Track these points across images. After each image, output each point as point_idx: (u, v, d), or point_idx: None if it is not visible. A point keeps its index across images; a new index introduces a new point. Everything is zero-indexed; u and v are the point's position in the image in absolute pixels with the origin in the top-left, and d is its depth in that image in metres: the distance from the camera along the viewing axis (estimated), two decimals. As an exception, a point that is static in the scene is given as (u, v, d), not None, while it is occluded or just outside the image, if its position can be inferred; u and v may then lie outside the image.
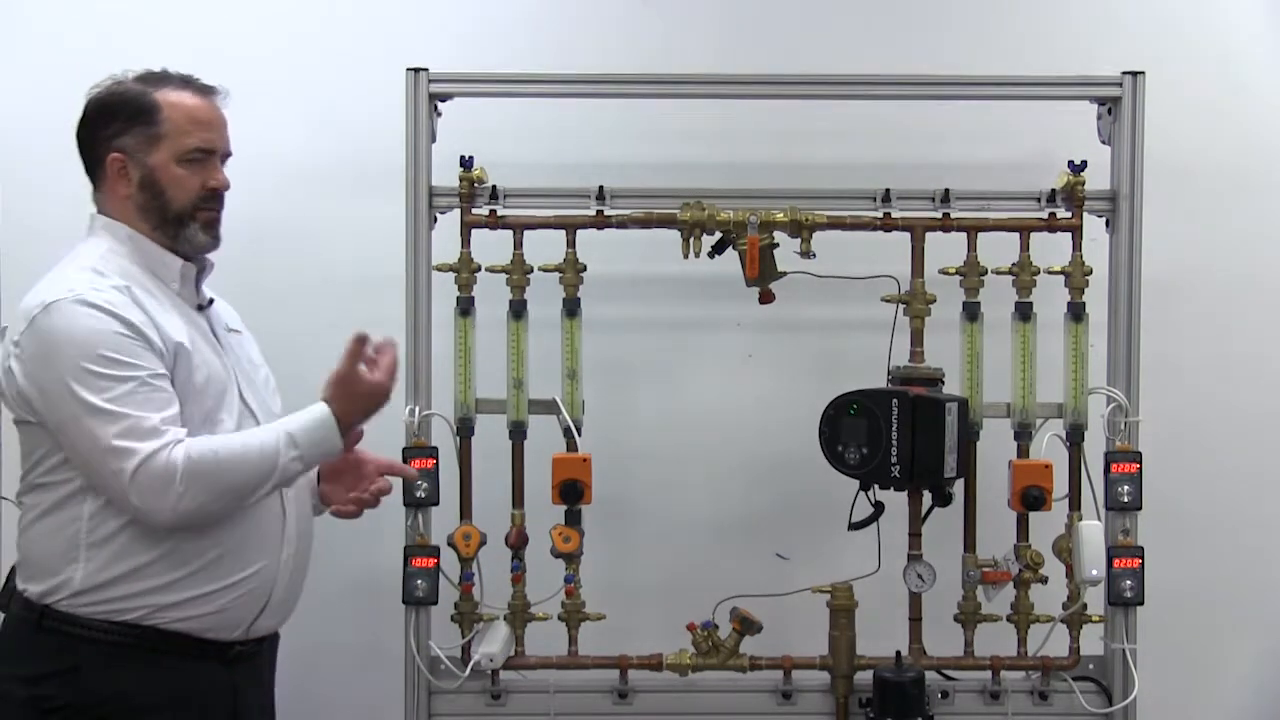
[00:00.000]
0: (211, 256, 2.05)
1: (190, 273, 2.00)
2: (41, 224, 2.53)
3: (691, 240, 2.30)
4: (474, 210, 2.32)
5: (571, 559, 2.32)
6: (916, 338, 2.34)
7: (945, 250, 2.34)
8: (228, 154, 2.03)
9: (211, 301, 2.05)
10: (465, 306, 2.31)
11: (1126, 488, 2.27)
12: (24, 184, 2.57)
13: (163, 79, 1.99)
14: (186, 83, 1.99)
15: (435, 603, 2.28)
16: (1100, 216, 2.35)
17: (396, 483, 2.23)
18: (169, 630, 1.87)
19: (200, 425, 1.88)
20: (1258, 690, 2.69)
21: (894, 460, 2.21)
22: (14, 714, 1.84)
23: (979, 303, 2.33)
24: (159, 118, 1.95)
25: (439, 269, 2.31)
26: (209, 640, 1.90)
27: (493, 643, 2.30)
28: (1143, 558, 2.28)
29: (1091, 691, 2.35)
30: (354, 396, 1.95)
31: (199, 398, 1.90)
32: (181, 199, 1.96)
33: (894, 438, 2.21)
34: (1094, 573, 2.24)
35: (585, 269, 2.33)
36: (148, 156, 1.94)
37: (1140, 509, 2.29)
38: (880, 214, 2.33)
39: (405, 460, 2.24)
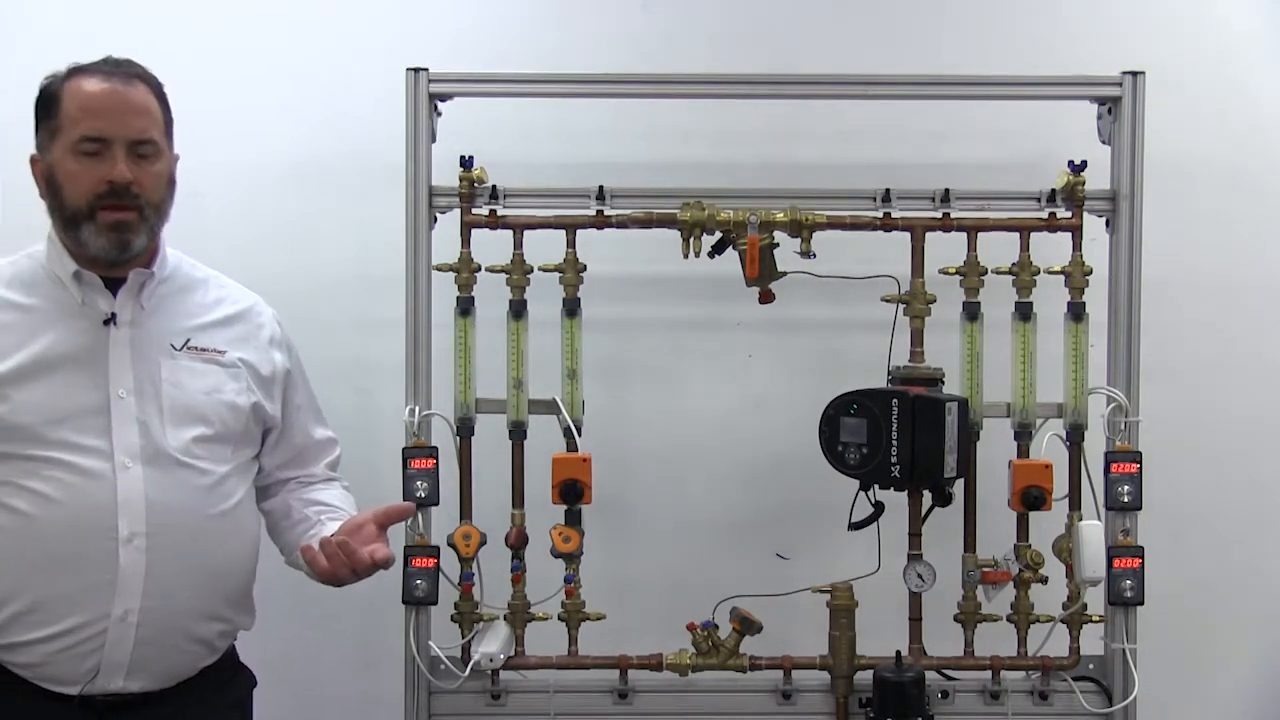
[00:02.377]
0: (194, 263, 1.96)
1: (93, 282, 1.86)
2: (41, 224, 2.54)
3: (691, 240, 2.30)
4: (474, 210, 2.32)
5: (571, 559, 2.32)
6: (916, 338, 2.34)
7: (945, 250, 2.34)
8: (141, 143, 1.82)
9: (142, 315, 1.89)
10: (465, 306, 2.31)
11: (1126, 488, 2.27)
12: (24, 184, 2.57)
13: (84, 68, 1.84)
14: (100, 68, 1.83)
15: (435, 603, 2.28)
16: (1100, 216, 2.35)
17: (396, 488, 2.23)
18: (13, 673, 1.81)
19: (16, 445, 1.77)
20: (1258, 690, 2.70)
21: (894, 460, 2.21)
22: None
23: (979, 303, 2.33)
24: (58, 109, 1.82)
25: (439, 269, 2.31)
26: (51, 690, 1.80)
27: (493, 643, 2.30)
28: (1143, 558, 2.28)
29: (1091, 691, 2.35)
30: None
31: (1, 423, 1.77)
32: (74, 196, 1.81)
33: (894, 438, 2.21)
34: (1094, 573, 2.24)
35: (585, 269, 2.33)
36: (50, 153, 1.83)
37: (1140, 509, 2.29)
38: (880, 214, 2.33)
39: (405, 460, 2.24)
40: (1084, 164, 2.30)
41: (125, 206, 1.82)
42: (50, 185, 1.84)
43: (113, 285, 1.89)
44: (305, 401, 2.14)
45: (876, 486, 2.27)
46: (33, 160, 1.87)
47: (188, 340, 1.93)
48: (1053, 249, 2.34)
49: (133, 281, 1.89)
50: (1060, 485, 2.31)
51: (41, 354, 1.81)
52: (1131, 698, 2.30)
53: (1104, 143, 2.35)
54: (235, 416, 1.94)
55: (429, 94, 2.29)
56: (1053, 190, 2.33)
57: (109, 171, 1.80)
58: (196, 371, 1.91)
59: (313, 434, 2.14)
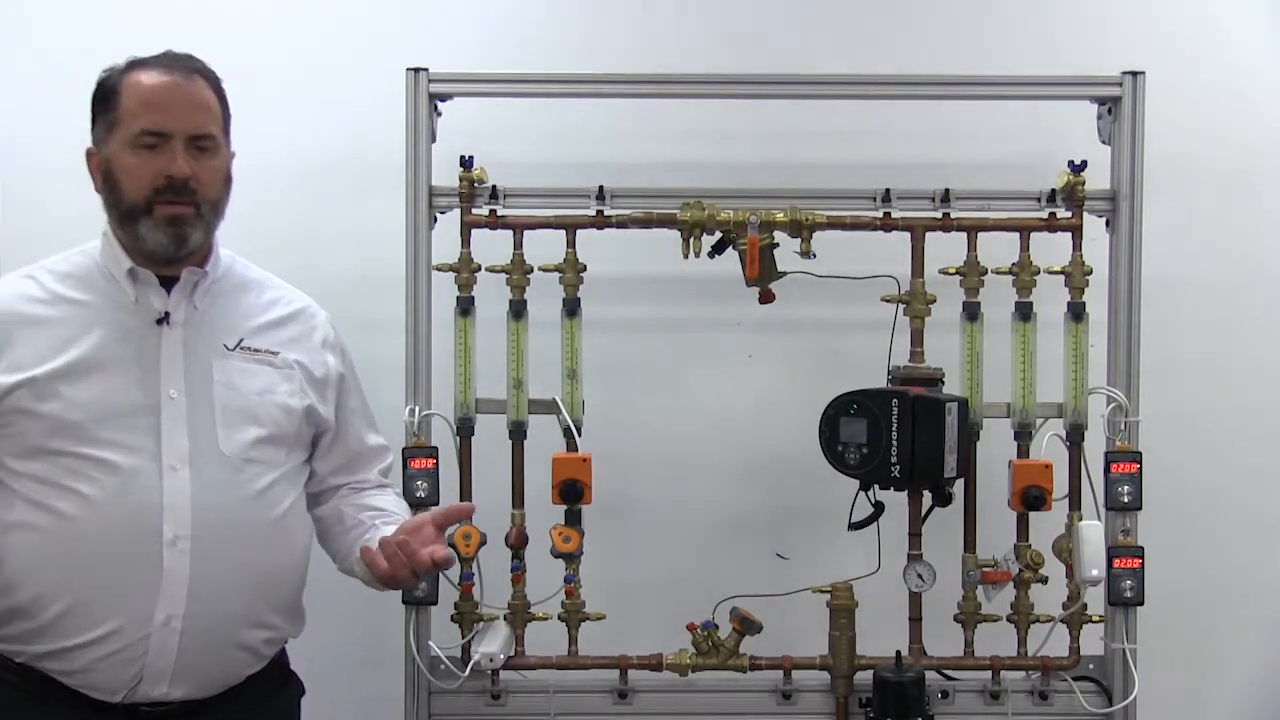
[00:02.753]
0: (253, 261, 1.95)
1: (148, 279, 1.83)
2: (42, 224, 2.54)
3: (691, 240, 2.30)
4: (474, 210, 2.32)
5: (571, 559, 2.32)
6: (916, 338, 2.34)
7: (945, 250, 2.34)
8: (200, 138, 1.80)
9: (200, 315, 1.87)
10: (465, 306, 2.31)
11: (1126, 488, 2.27)
12: (24, 184, 2.58)
13: (144, 61, 1.82)
14: (160, 62, 1.81)
15: (435, 603, 2.28)
16: (1100, 216, 2.35)
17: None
18: (57, 681, 1.76)
19: (64, 442, 1.73)
20: (1258, 690, 2.69)
21: (894, 460, 2.21)
22: None
23: (979, 303, 2.33)
24: (116, 103, 1.79)
25: (439, 269, 2.31)
26: (95, 699, 1.76)
27: (493, 643, 2.30)
28: (1143, 558, 2.28)
29: (1091, 691, 2.35)
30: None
31: (49, 420, 1.74)
32: (133, 191, 1.78)
33: (894, 438, 2.21)
34: (1094, 573, 2.24)
35: (585, 269, 2.33)
36: (107, 146, 1.80)
37: (1140, 509, 2.29)
38: (880, 214, 2.33)
39: (405, 460, 2.24)
40: (1084, 164, 2.30)
41: (182, 201, 1.79)
42: (107, 179, 1.81)
43: (166, 284, 1.85)
44: (359, 406, 2.09)
45: (876, 486, 2.27)
46: (89, 154, 1.83)
47: (241, 341, 1.89)
48: (1053, 249, 2.34)
49: (186, 280, 1.85)
50: (1060, 485, 2.31)
51: (93, 351, 1.78)
52: (1131, 698, 2.30)
53: (1104, 143, 2.35)
54: (288, 418, 1.90)
55: (429, 94, 2.29)
56: (1053, 190, 2.33)
57: (167, 166, 1.77)
58: (249, 372, 1.87)
59: (366, 440, 2.08)
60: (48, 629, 1.74)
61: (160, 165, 1.77)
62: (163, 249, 1.80)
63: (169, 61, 1.82)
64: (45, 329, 1.79)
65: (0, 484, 1.78)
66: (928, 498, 2.32)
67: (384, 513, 2.02)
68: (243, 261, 2.00)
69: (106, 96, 1.81)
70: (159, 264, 1.83)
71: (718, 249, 2.32)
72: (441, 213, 2.33)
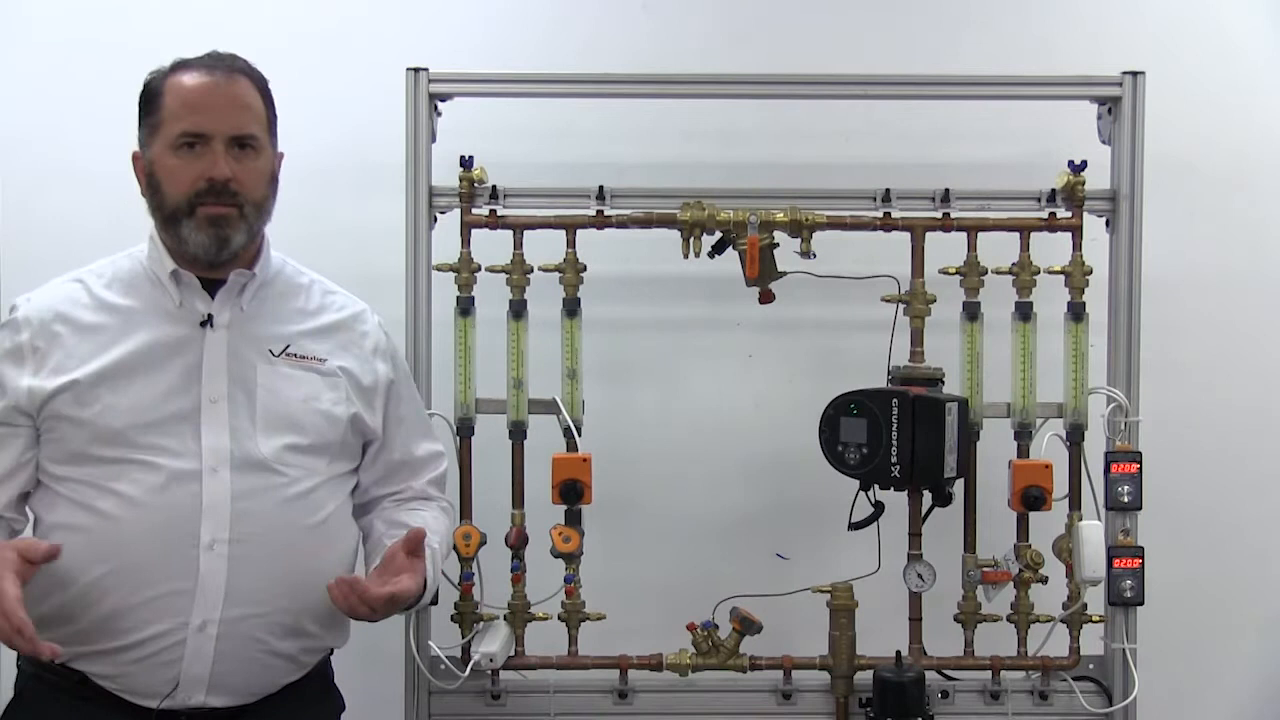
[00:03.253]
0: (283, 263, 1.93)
1: (190, 282, 1.82)
2: (42, 224, 2.54)
3: (691, 240, 2.30)
4: (474, 210, 2.32)
5: (571, 559, 2.31)
6: (916, 338, 2.34)
7: (945, 250, 2.34)
8: (242, 138, 1.79)
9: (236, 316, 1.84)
10: (465, 306, 2.31)
11: (1126, 488, 2.27)
12: (24, 184, 2.58)
13: (187, 62, 1.81)
14: (203, 62, 1.81)
15: (435, 603, 2.28)
16: (1100, 216, 2.35)
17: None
18: (95, 683, 1.75)
19: (105, 448, 1.73)
20: (1258, 690, 2.70)
21: (894, 460, 2.21)
22: None
23: (979, 303, 2.33)
24: (159, 104, 1.79)
25: (439, 269, 2.31)
26: (133, 703, 1.74)
27: (493, 643, 2.30)
28: (1143, 558, 2.28)
29: (1091, 691, 2.35)
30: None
31: (91, 426, 1.74)
32: (175, 194, 1.77)
33: (894, 438, 2.21)
34: (1094, 573, 2.24)
35: (585, 269, 2.33)
36: (150, 149, 1.80)
37: (1140, 509, 2.29)
38: (880, 214, 2.33)
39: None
40: (1084, 164, 2.30)
41: (224, 203, 1.78)
42: (150, 182, 1.80)
43: (212, 287, 1.84)
44: (410, 414, 2.04)
45: (876, 486, 2.27)
46: (134, 157, 1.82)
47: (287, 346, 1.86)
48: (1053, 249, 2.34)
49: (232, 283, 1.84)
50: (1060, 485, 2.31)
51: (135, 356, 1.77)
52: (1131, 698, 2.30)
53: (1104, 143, 2.35)
54: (332, 426, 1.87)
55: (429, 94, 2.29)
56: (1053, 190, 2.33)
57: (209, 168, 1.76)
58: (294, 379, 1.85)
59: (414, 450, 2.03)
60: (88, 631, 1.73)
61: (201, 168, 1.76)
62: (205, 250, 1.79)
63: (211, 62, 1.81)
64: (89, 334, 1.79)
65: (43, 487, 1.79)
66: (928, 498, 2.32)
67: (406, 530, 1.90)
68: (295, 265, 1.99)
69: (150, 99, 1.80)
70: (204, 267, 1.82)
71: (718, 249, 2.32)
72: (441, 213, 2.33)
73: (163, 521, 1.73)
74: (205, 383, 1.79)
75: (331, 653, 1.98)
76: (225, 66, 1.82)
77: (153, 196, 1.81)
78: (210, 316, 1.82)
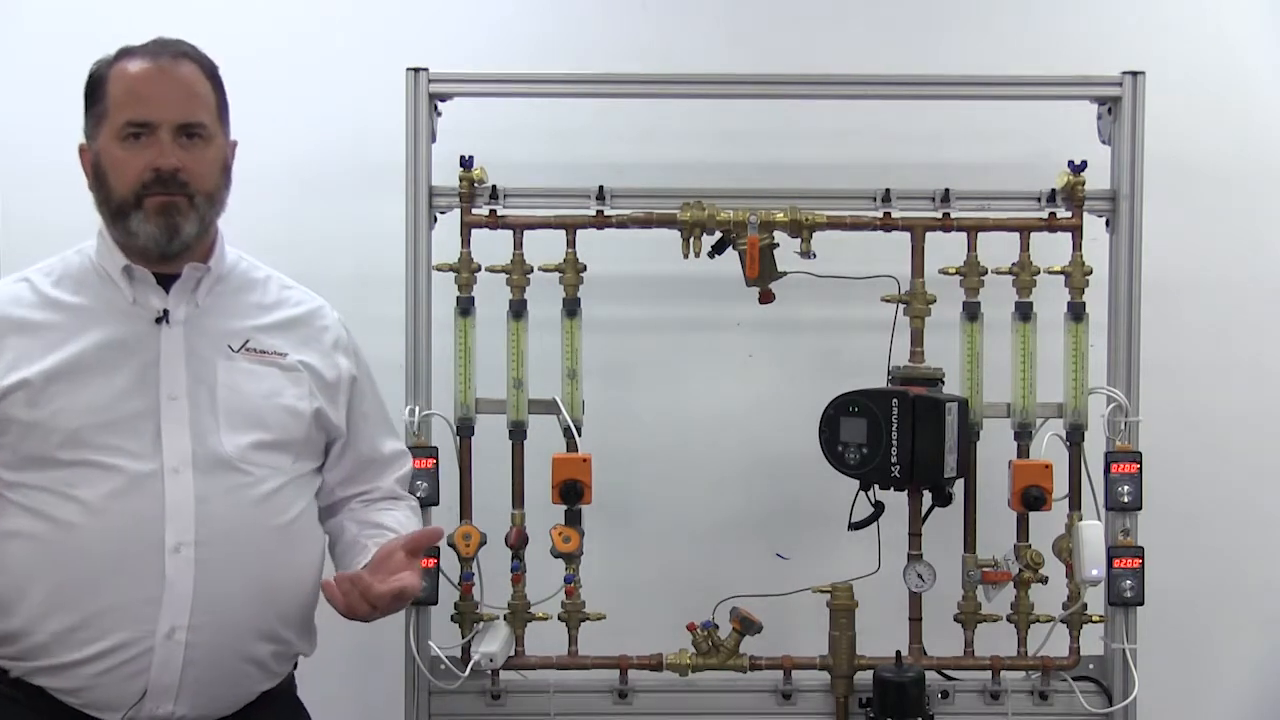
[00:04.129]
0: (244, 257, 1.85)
1: (144, 277, 1.74)
2: (42, 224, 2.54)
3: (691, 240, 2.30)
4: (474, 210, 2.32)
5: (571, 559, 2.32)
6: (916, 338, 2.34)
7: (945, 250, 2.34)
8: (189, 125, 1.71)
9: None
10: (465, 306, 2.31)
11: (1126, 488, 2.27)
12: (24, 184, 2.58)
13: (131, 50, 1.74)
14: (147, 49, 1.73)
15: (435, 603, 2.28)
16: (1100, 216, 2.35)
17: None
18: (56, 697, 1.66)
19: (61, 450, 1.65)
20: (1258, 690, 2.69)
21: (894, 460, 2.21)
22: None
23: (979, 303, 2.33)
24: (103, 93, 1.71)
25: (439, 269, 2.31)
26: (96, 717, 1.67)
27: (493, 643, 2.30)
28: (1143, 558, 2.28)
29: (1091, 691, 2.35)
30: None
31: (44, 428, 1.66)
32: (121, 185, 1.69)
33: (894, 438, 2.21)
34: (1094, 573, 2.24)
35: (585, 269, 2.33)
36: (96, 141, 1.72)
37: (1140, 509, 2.29)
38: (880, 214, 2.33)
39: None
40: (1084, 164, 2.30)
41: (173, 192, 1.70)
42: (97, 175, 1.73)
43: (166, 283, 1.77)
44: (373, 411, 1.98)
45: (876, 486, 2.27)
46: (81, 150, 1.76)
47: (246, 341, 1.80)
48: (1053, 249, 2.34)
49: (187, 277, 1.77)
50: (1060, 485, 2.31)
51: (87, 353, 1.70)
52: (1131, 698, 2.31)
53: (1104, 143, 2.35)
54: (296, 423, 1.80)
55: (429, 94, 2.29)
56: (1053, 190, 2.33)
57: (155, 158, 1.68)
58: (255, 374, 1.78)
59: (380, 447, 1.98)
60: (47, 645, 1.65)
61: (148, 158, 1.69)
62: (155, 241, 1.71)
63: (157, 48, 1.74)
64: (39, 334, 1.71)
65: None
66: (928, 498, 2.32)
67: (383, 531, 1.89)
68: (250, 260, 1.92)
69: (95, 89, 1.73)
70: (155, 260, 1.75)
71: (718, 249, 2.32)
72: (441, 213, 2.33)
73: (125, 526, 1.65)
74: (163, 380, 1.72)
75: (296, 665, 1.92)
76: (171, 52, 1.74)
77: (99, 190, 1.74)
78: (166, 312, 1.75)
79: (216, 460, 1.72)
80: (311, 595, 1.84)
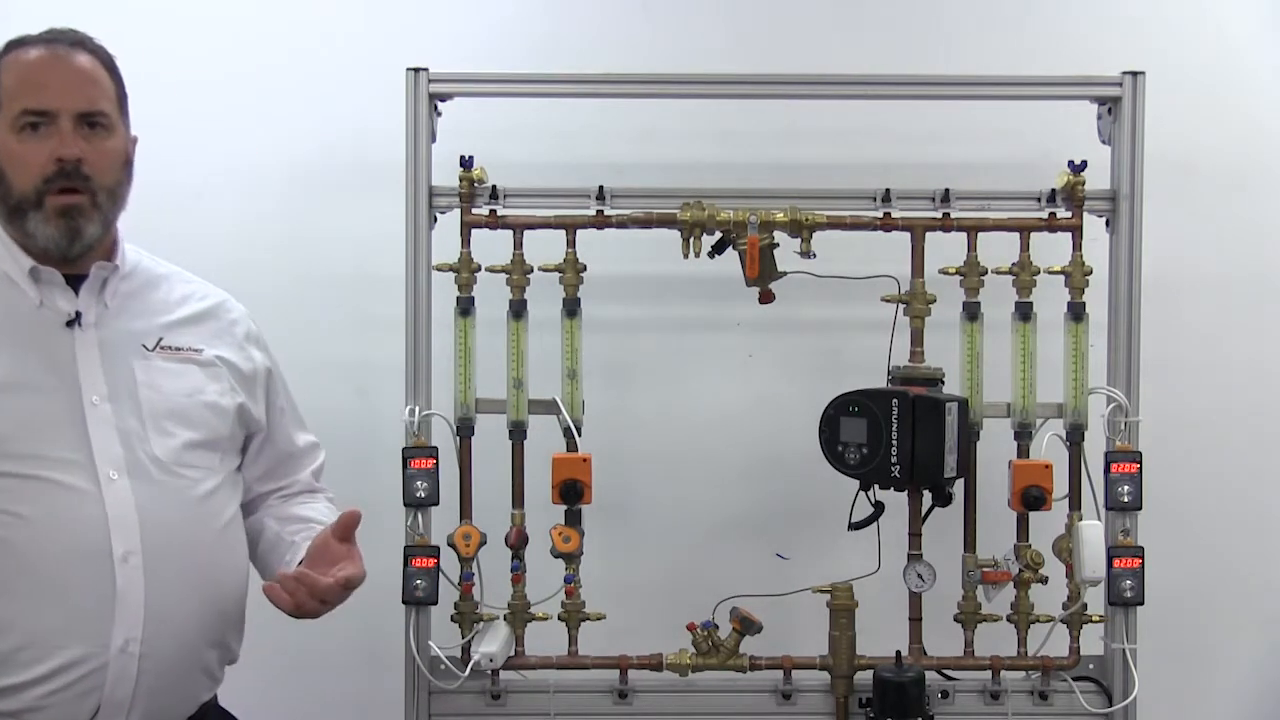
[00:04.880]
0: (153, 258, 1.79)
1: (52, 279, 1.67)
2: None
3: (691, 240, 2.30)
4: (474, 210, 2.32)
5: (571, 559, 2.31)
6: (916, 338, 2.34)
7: (945, 250, 2.34)
8: (90, 114, 1.64)
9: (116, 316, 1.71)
10: (465, 306, 2.31)
11: (1126, 488, 2.27)
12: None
13: (23, 39, 1.66)
14: (41, 37, 1.66)
15: (435, 603, 2.28)
16: (1100, 216, 2.34)
17: (396, 488, 2.22)
18: None
19: None
20: (1257, 690, 2.70)
21: (894, 460, 2.21)
22: None
23: (979, 303, 2.33)
24: None
25: (439, 269, 2.31)
26: None
27: (493, 643, 2.30)
28: (1143, 558, 2.28)
29: (1091, 691, 2.35)
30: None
31: None
32: (21, 181, 1.61)
33: (894, 438, 2.21)
34: (1094, 573, 2.24)
35: (585, 269, 2.33)
36: None
37: (1140, 509, 2.29)
38: (880, 214, 2.33)
39: (405, 461, 2.24)
40: (1084, 164, 2.30)
41: (75, 189, 1.63)
42: None
43: (72, 284, 1.70)
44: (287, 404, 1.97)
45: (876, 486, 2.27)
46: None
47: (160, 339, 1.75)
48: (1053, 249, 2.34)
49: (95, 277, 1.70)
50: (1060, 485, 2.30)
51: (1, 364, 1.62)
52: (1131, 698, 2.30)
53: (1104, 143, 2.35)
54: (220, 420, 1.77)
55: (429, 94, 2.28)
56: (1053, 190, 2.33)
57: (57, 148, 1.60)
58: (173, 372, 1.74)
59: (295, 439, 1.96)
60: None
61: (49, 148, 1.61)
62: (55, 244, 1.64)
63: (52, 36, 1.67)
64: None
65: None
66: (928, 498, 2.32)
67: (309, 524, 1.87)
68: (150, 256, 1.86)
69: None
70: (55, 261, 1.67)
71: (718, 249, 2.32)
72: (441, 213, 2.33)
73: (67, 538, 1.60)
74: (84, 385, 1.66)
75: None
76: (68, 40, 1.68)
77: None
78: (78, 315, 1.68)
79: (149, 464, 1.67)
80: (245, 595, 1.82)
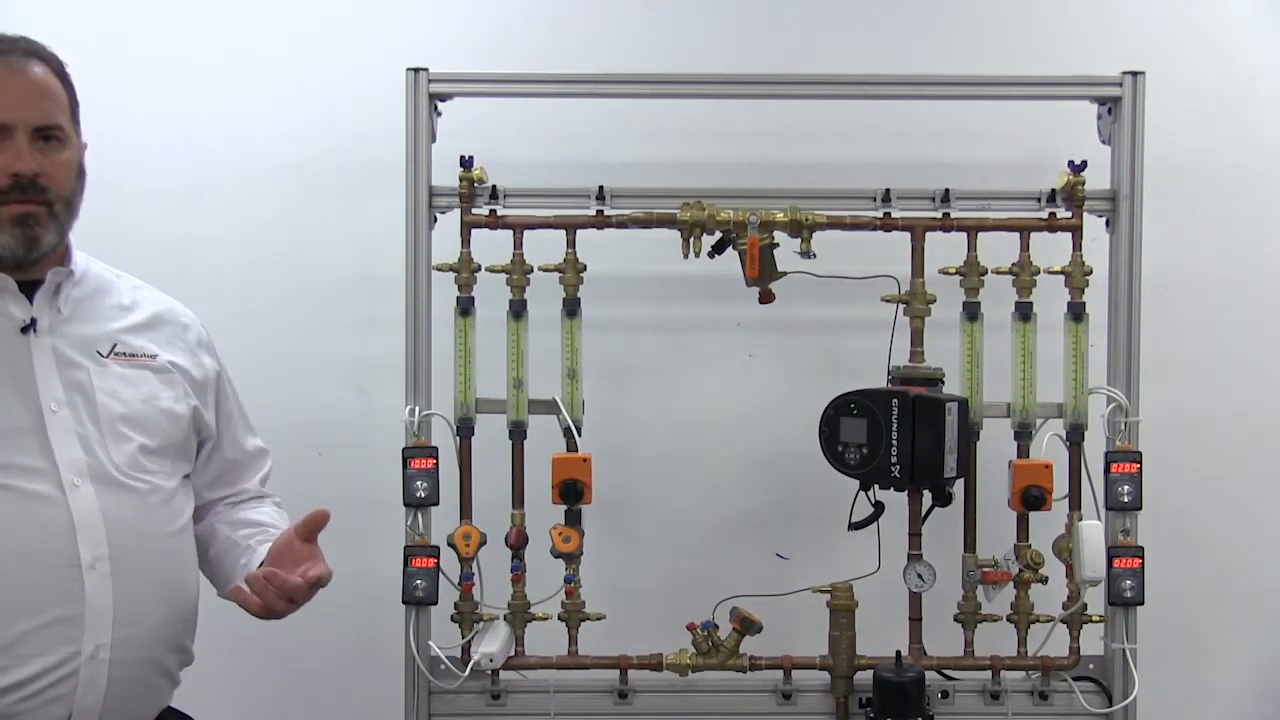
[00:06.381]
0: (102, 263, 1.78)
1: (6, 285, 1.66)
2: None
3: (691, 240, 2.30)
4: (474, 210, 2.32)
5: (571, 559, 2.31)
6: (916, 338, 2.34)
7: (945, 250, 2.33)
8: (46, 128, 1.64)
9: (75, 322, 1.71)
10: (465, 306, 2.31)
11: (1126, 488, 2.27)
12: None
13: None
14: None
15: (435, 603, 2.28)
16: (1100, 216, 2.34)
17: (395, 488, 2.22)
18: None
19: None
20: (1257, 690, 2.70)
21: (894, 460, 2.21)
22: None
23: (979, 303, 2.33)
24: None
25: (439, 269, 2.31)
26: None
27: (493, 643, 2.30)
28: (1143, 558, 2.28)
29: (1091, 691, 2.35)
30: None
31: None
32: None
33: (894, 438, 2.21)
34: (1094, 573, 2.24)
35: (585, 269, 2.33)
36: None
37: (1140, 509, 2.29)
38: (880, 214, 2.33)
39: (405, 461, 2.24)
40: (1084, 164, 2.30)
41: (32, 200, 1.63)
42: None
43: (25, 290, 1.70)
44: (236, 410, 1.97)
45: (876, 486, 2.27)
46: None
47: (114, 345, 1.75)
48: (1053, 249, 2.34)
49: (50, 283, 1.70)
50: (1060, 485, 2.30)
51: None
52: (1131, 698, 2.30)
53: (1104, 143, 2.35)
54: (175, 425, 1.78)
55: (429, 94, 2.28)
56: (1053, 190, 2.33)
57: (13, 162, 1.60)
58: (129, 378, 1.74)
59: (244, 445, 1.96)
60: None
61: (4, 162, 1.61)
62: (11, 253, 1.64)
63: (4, 47, 1.66)
64: None
65: None
66: (928, 498, 2.32)
67: (262, 528, 1.87)
68: (99, 261, 1.85)
69: None
70: (10, 269, 1.67)
71: (718, 249, 2.32)
72: (441, 213, 2.33)
73: (34, 546, 1.60)
74: (41, 392, 1.65)
75: None
76: (21, 50, 1.66)
77: None
78: (34, 320, 1.68)
79: (110, 469, 1.68)
80: (198, 600, 1.83)
